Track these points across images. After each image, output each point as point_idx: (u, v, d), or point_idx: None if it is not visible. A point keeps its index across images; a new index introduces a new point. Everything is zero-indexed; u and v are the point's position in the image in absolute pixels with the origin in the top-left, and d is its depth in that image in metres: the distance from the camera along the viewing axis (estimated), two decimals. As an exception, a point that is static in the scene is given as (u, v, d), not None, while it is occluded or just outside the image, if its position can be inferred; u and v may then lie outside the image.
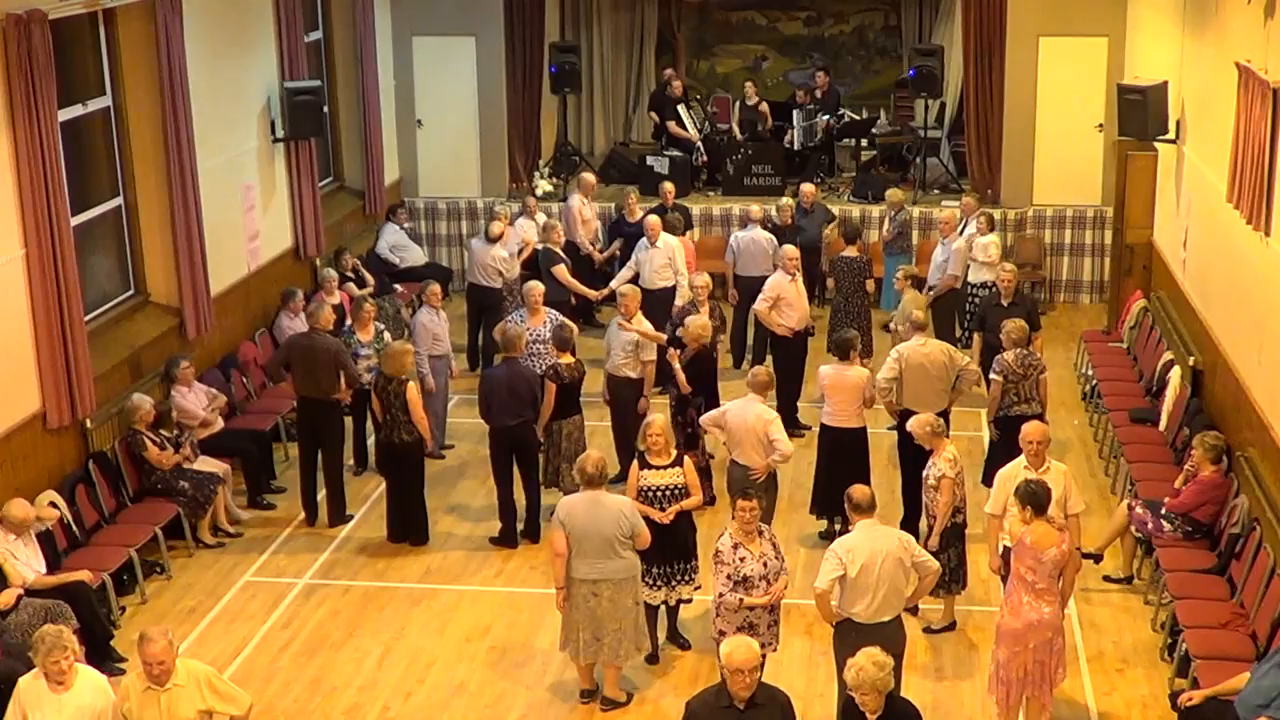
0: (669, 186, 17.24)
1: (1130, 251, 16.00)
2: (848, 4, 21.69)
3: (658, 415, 10.77)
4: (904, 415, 11.57)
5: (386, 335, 13.55)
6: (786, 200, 16.76)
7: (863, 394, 11.70)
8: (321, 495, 12.57)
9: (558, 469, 12.15)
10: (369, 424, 12.81)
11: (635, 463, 10.27)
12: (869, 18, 21.74)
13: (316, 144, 16.22)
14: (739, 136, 19.41)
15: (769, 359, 14.21)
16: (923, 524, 10.99)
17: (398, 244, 17.64)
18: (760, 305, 13.96)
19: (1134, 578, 11.24)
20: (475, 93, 18.80)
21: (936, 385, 11.87)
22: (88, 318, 12.14)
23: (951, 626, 10.63)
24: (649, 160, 19.00)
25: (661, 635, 10.36)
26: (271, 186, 15.47)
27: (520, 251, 16.13)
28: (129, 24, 12.87)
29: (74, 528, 11.12)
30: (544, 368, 12.29)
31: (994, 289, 14.23)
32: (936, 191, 18.52)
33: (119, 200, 13.18)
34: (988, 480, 11.48)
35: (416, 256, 17.88)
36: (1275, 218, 10.38)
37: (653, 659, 10.21)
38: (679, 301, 14.62)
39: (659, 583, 10.12)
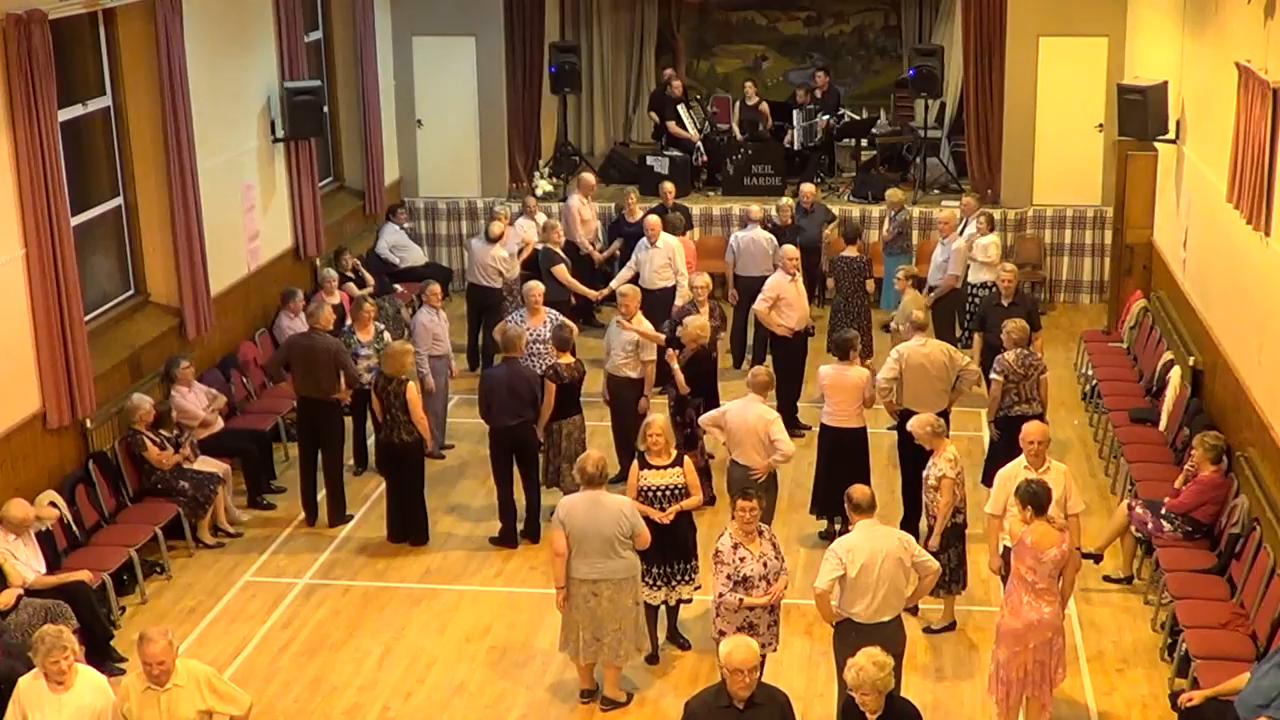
0: (669, 186, 17.25)
1: (1130, 251, 16.01)
2: (848, 4, 21.69)
3: (658, 415, 10.78)
4: (904, 415, 11.57)
5: (386, 335, 13.55)
6: (786, 200, 16.76)
7: (862, 394, 11.70)
8: (321, 495, 12.57)
9: (558, 469, 12.15)
10: (369, 424, 12.81)
11: (635, 463, 10.27)
12: (869, 18, 21.74)
13: (316, 144, 16.22)
14: (739, 136, 19.41)
15: (769, 359, 14.21)
16: (923, 524, 10.99)
17: (398, 244, 17.64)
18: (760, 305, 13.96)
19: (1134, 578, 11.24)
20: (475, 93, 18.80)
21: (936, 385, 11.87)
22: (88, 318, 12.14)
23: (951, 626, 10.63)
24: (649, 160, 19.00)
25: (661, 635, 10.36)
26: (271, 186, 15.47)
27: (520, 251, 16.13)
28: (129, 24, 12.87)
29: (74, 528, 11.12)
30: (544, 368, 12.28)
31: (994, 289, 14.23)
32: (936, 191, 18.52)
33: (119, 200, 13.18)
34: (988, 480, 11.48)
35: (416, 256, 17.88)
36: (1275, 218, 10.38)
37: (653, 659, 10.21)
38: (679, 301, 14.62)
39: (659, 583, 10.12)
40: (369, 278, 16.34)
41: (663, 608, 10.30)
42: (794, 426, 13.51)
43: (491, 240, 15.55)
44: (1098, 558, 11.22)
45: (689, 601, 10.40)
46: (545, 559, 11.14)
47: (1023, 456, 9.91)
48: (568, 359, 12.19)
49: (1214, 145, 12.27)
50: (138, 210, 13.27)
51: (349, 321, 13.70)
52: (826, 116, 19.30)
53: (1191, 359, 12.91)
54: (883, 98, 21.29)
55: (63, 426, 11.37)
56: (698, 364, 12.61)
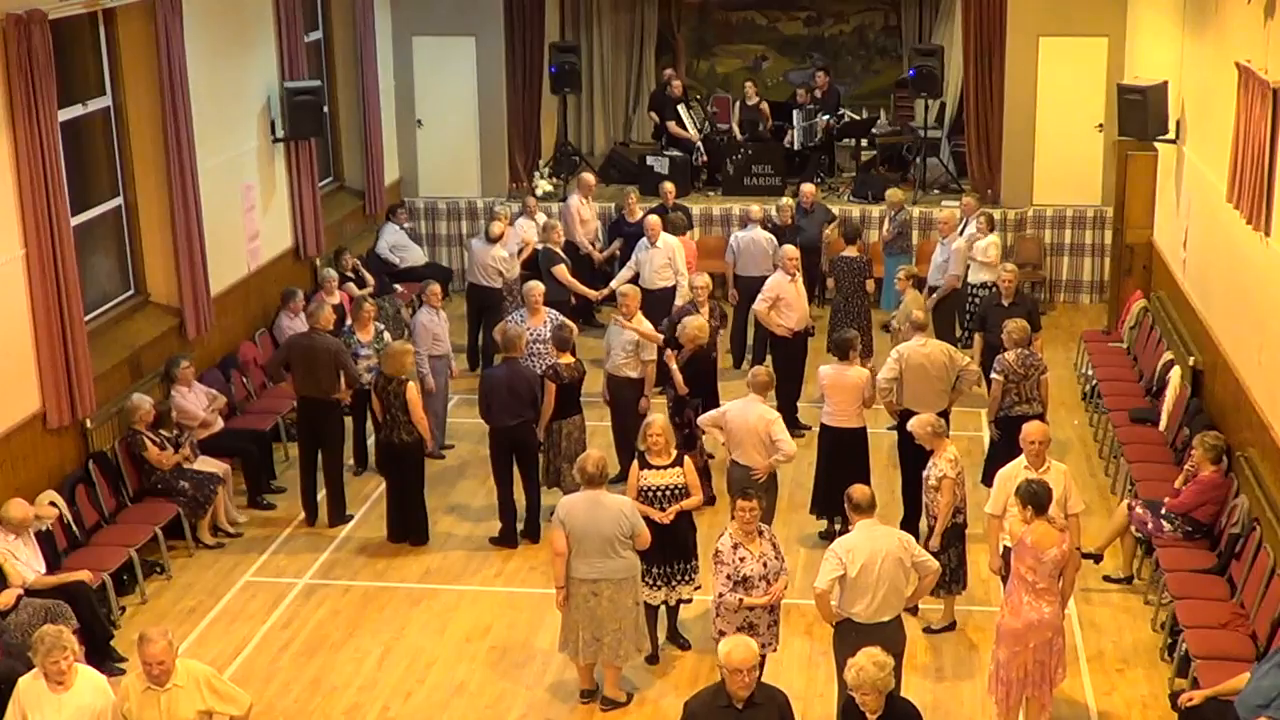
0: (669, 186, 17.25)
1: (1130, 251, 16.00)
2: (848, 4, 21.69)
3: (658, 415, 10.78)
4: (904, 415, 11.57)
5: (386, 335, 13.55)
6: (786, 200, 16.76)
7: (862, 394, 11.70)
8: (321, 495, 12.57)
9: (558, 469, 12.15)
10: (369, 424, 12.81)
11: (635, 463, 10.26)
12: (869, 18, 21.74)
13: (316, 144, 16.21)
14: (739, 136, 19.41)
15: (769, 359, 14.21)
16: (923, 524, 10.99)
17: (398, 244, 17.64)
18: (760, 305, 13.96)
19: (1134, 578, 11.24)
20: (475, 93, 18.80)
21: (937, 385, 11.86)
22: (88, 318, 12.14)
23: (951, 626, 10.63)
24: (649, 160, 19.00)
25: (661, 635, 10.36)
26: (271, 186, 15.47)
27: (520, 251, 16.13)
28: (129, 24, 12.87)
29: (74, 528, 11.11)
30: (544, 368, 12.28)
31: (994, 289, 14.23)
32: (936, 191, 18.52)
33: (119, 200, 13.18)
34: (988, 480, 11.48)
35: (416, 256, 17.88)
36: (1275, 218, 10.38)
37: (653, 659, 10.21)
38: (679, 301, 14.62)
39: (659, 583, 10.12)
40: (369, 278, 16.34)
41: (663, 608, 10.30)
42: (794, 426, 13.49)
43: (491, 240, 15.54)
44: (1098, 558, 11.22)
45: (689, 601, 10.40)
46: (545, 559, 11.14)
47: (1023, 456, 9.91)
48: (568, 359, 12.19)
49: (1214, 145, 12.27)
50: (138, 210, 13.27)
51: (349, 321, 13.70)
52: (826, 116, 19.30)
53: (1191, 359, 12.91)
54: (883, 98, 21.29)
55: (63, 426, 11.37)
56: (697, 364, 12.61)
